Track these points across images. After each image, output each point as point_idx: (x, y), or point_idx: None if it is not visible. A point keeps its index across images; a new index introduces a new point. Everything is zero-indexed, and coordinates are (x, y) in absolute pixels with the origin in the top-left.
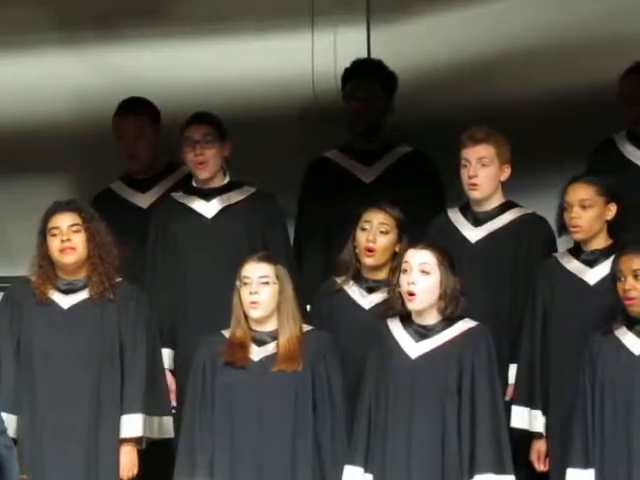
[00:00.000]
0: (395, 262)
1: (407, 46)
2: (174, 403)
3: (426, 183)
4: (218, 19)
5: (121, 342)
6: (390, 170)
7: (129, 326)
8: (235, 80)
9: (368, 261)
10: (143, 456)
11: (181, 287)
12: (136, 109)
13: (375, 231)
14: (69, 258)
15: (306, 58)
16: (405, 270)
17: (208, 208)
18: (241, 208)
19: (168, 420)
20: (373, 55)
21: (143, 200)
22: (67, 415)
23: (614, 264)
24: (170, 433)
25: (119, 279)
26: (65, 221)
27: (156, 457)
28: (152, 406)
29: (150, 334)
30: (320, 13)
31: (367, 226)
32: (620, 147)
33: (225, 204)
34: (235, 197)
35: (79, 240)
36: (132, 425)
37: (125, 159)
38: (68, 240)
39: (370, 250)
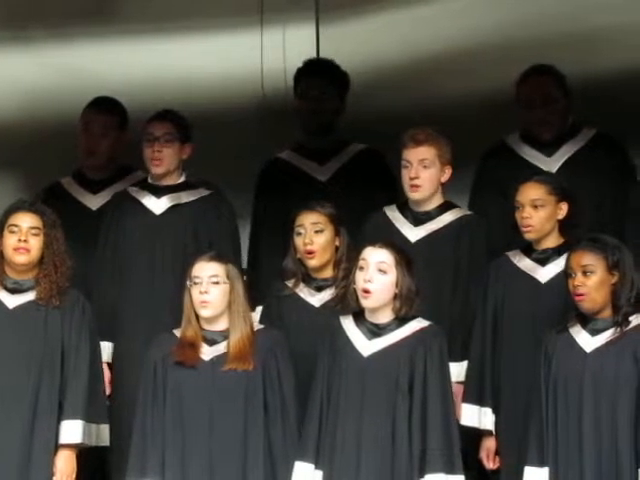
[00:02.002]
0: (338, 256)
1: (356, 45)
2: (108, 391)
3: (380, 180)
4: (167, 18)
5: (63, 348)
6: (345, 168)
7: (73, 333)
8: (184, 79)
9: (311, 263)
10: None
11: (124, 281)
12: (108, 108)
13: (310, 233)
14: (21, 259)
15: (255, 56)
16: (362, 267)
17: (157, 205)
18: (191, 209)
19: (104, 428)
20: (322, 54)
21: (93, 201)
22: (2, 416)
23: (566, 261)
24: (106, 441)
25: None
26: (26, 221)
27: (89, 462)
28: (91, 413)
29: (93, 342)
30: (269, 11)
31: (301, 230)
32: (516, 149)
33: (175, 202)
34: (186, 197)
35: (35, 243)
36: (72, 431)
37: (84, 154)
38: (25, 241)
39: (309, 252)
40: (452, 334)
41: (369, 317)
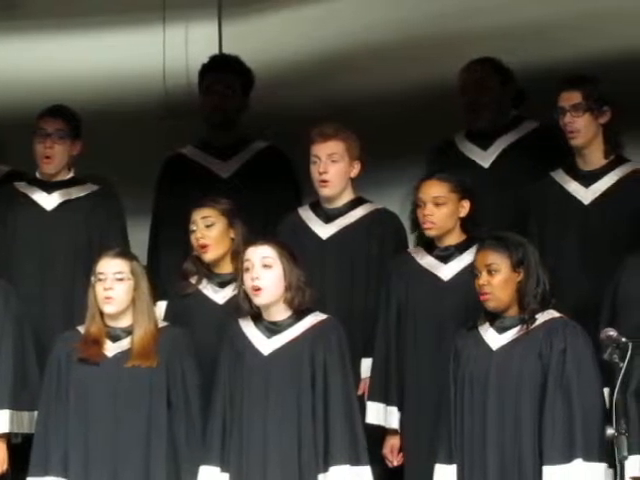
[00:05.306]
0: (234, 247)
1: (258, 42)
2: None
3: (282, 178)
4: (68, 14)
5: None
6: (247, 165)
7: None
8: (85, 75)
9: (206, 257)
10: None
11: (14, 278)
12: None
13: (201, 227)
14: None
15: (157, 53)
16: (247, 268)
17: (48, 200)
18: (81, 204)
19: None
20: (225, 50)
21: None
22: None
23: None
24: None
25: None
26: None
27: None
28: (21, 401)
29: (18, 328)
30: (172, 8)
31: (194, 226)
32: (460, 147)
33: (65, 198)
34: (76, 193)
35: None
36: None
37: None
38: None
39: (202, 246)
40: (367, 329)
41: (266, 316)
